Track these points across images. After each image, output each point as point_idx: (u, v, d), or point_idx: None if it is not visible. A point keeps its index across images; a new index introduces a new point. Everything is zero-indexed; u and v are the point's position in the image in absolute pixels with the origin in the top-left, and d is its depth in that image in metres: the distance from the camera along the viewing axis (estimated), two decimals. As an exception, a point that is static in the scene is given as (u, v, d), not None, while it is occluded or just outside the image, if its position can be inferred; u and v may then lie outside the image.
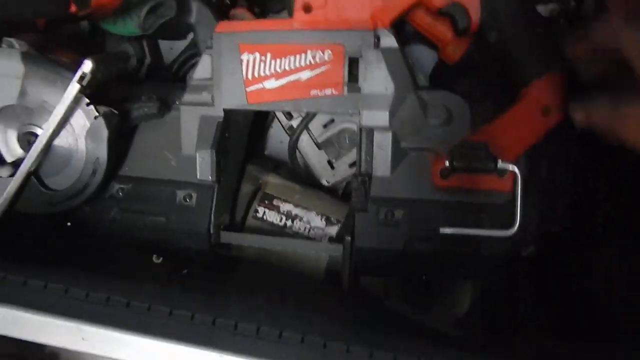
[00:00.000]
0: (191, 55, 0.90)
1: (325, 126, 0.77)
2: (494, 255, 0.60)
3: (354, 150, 0.75)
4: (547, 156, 0.60)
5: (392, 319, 0.64)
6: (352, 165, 0.76)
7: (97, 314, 0.55)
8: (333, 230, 0.70)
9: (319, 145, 0.77)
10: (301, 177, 0.80)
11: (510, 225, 0.57)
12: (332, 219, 0.71)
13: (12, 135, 0.69)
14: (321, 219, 0.71)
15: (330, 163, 0.77)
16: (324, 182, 0.78)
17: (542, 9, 0.79)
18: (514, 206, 0.56)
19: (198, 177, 0.68)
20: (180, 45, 0.91)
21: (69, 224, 0.74)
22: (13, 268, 0.58)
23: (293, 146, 0.77)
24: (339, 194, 0.80)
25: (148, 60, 0.91)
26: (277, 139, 0.87)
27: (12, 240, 0.67)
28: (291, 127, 0.78)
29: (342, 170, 0.77)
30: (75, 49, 0.81)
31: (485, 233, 0.57)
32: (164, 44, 0.92)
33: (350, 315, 0.63)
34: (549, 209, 0.61)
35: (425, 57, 0.77)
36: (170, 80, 0.88)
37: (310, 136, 0.77)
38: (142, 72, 0.92)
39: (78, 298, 0.56)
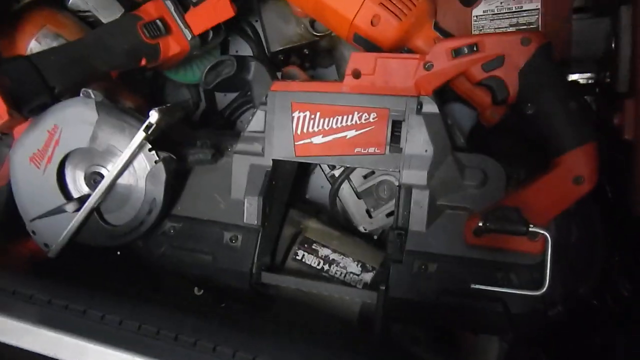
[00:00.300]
0: (243, 103, 0.98)
1: (365, 177, 0.82)
2: (521, 313, 0.63)
3: (392, 202, 0.80)
4: (577, 222, 0.64)
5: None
6: (389, 215, 0.81)
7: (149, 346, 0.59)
8: (368, 276, 0.75)
9: (358, 195, 0.82)
10: (340, 222, 0.85)
11: (539, 285, 0.60)
12: (368, 265, 0.76)
13: (80, 175, 0.76)
14: (357, 265, 0.76)
15: (368, 212, 0.82)
16: (362, 229, 0.82)
17: (577, 76, 0.84)
18: (544, 268, 0.60)
19: (244, 220, 0.73)
20: (234, 93, 0.98)
21: (118, 252, 0.80)
22: (73, 297, 0.63)
23: (334, 194, 0.82)
24: (374, 240, 0.84)
25: (203, 105, 0.99)
26: (318, 184, 0.93)
27: (73, 271, 0.73)
28: (333, 176, 0.83)
29: (379, 219, 0.82)
30: (139, 91, 0.89)
31: (515, 292, 0.61)
32: (218, 92, 0.99)
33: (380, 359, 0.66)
34: (576, 272, 0.64)
35: (465, 116, 0.82)
36: (223, 126, 0.94)
37: (351, 186, 0.82)
38: (197, 115, 1.00)
39: (131, 330, 0.61)
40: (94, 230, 0.76)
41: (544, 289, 0.60)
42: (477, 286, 0.62)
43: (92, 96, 0.72)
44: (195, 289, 0.86)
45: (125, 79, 0.86)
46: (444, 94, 0.77)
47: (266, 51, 0.91)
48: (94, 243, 0.76)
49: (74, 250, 0.77)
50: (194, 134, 0.82)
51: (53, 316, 0.60)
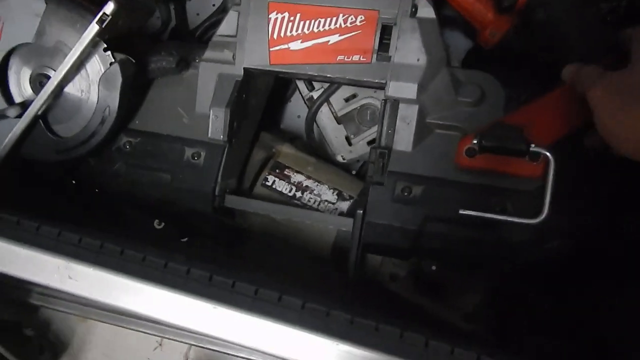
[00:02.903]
0: (216, 22, 0.88)
1: (347, 100, 0.74)
2: (514, 244, 0.56)
3: (374, 128, 0.72)
4: (583, 149, 0.56)
5: (397, 302, 0.59)
6: (370, 143, 0.73)
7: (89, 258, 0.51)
8: (345, 205, 0.67)
9: (338, 120, 0.73)
10: (315, 152, 0.77)
11: (537, 214, 0.53)
12: (345, 194, 0.68)
13: (26, 76, 0.67)
14: (333, 193, 0.68)
15: (348, 139, 0.74)
16: (340, 159, 0.74)
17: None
18: (544, 194, 0.52)
19: (209, 135, 0.65)
20: (207, 11, 0.89)
21: (73, 181, 0.71)
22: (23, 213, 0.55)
23: (312, 117, 0.74)
24: (352, 173, 0.77)
25: (173, 23, 0.89)
26: (294, 113, 0.85)
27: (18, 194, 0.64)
28: (311, 98, 0.75)
29: (360, 147, 0.74)
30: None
31: (509, 219, 0.53)
32: (190, 9, 0.90)
33: (355, 296, 0.59)
34: (580, 204, 0.56)
35: (459, 43, 0.74)
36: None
37: (331, 109, 0.73)
38: (165, 35, 0.90)
39: (70, 243, 0.53)
40: (40, 143, 0.67)
41: (543, 216, 0.52)
42: (467, 212, 0.55)
43: (38, -18, 0.63)
44: (156, 222, 0.78)
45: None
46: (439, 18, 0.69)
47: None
48: (40, 157, 0.67)
49: (18, 170, 0.68)
50: (159, 44, 0.73)
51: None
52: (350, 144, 0.74)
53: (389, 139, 0.59)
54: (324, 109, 0.74)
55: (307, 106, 0.76)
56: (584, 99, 0.52)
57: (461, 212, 0.55)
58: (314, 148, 0.77)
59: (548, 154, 0.53)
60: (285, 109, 0.85)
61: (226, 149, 0.64)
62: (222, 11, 0.86)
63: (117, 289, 0.50)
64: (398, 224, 0.58)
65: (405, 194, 0.58)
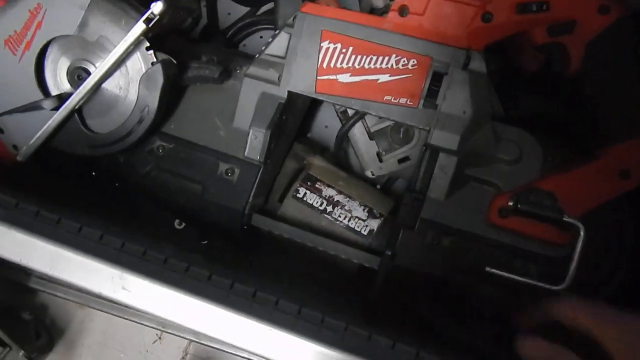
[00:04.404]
0: (249, 24, 0.87)
1: (380, 117, 0.74)
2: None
3: (406, 146, 0.73)
4: (612, 220, 0.59)
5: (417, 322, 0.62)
6: (401, 161, 0.73)
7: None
8: (375, 223, 0.68)
9: (371, 135, 0.73)
10: (342, 164, 0.77)
11: (559, 280, 0.55)
12: (375, 211, 0.69)
13: (63, 68, 0.66)
14: (364, 210, 0.69)
15: (379, 155, 0.74)
16: (369, 174, 0.75)
17: None
18: (569, 263, 0.55)
19: (246, 154, 0.65)
20: (239, 11, 0.87)
21: (93, 173, 0.71)
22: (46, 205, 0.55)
23: (344, 133, 0.74)
24: (377, 187, 0.78)
25: (204, 21, 0.87)
26: (322, 122, 0.84)
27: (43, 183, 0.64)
28: (345, 112, 0.74)
29: (390, 164, 0.74)
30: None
31: (534, 283, 0.56)
32: (222, 8, 0.88)
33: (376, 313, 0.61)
34: (598, 274, 0.59)
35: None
36: (225, 46, 0.84)
37: (364, 124, 0.74)
38: (196, 32, 0.88)
39: (114, 247, 0.53)
40: (73, 136, 0.66)
41: (565, 284, 0.55)
42: (493, 270, 0.57)
43: (85, -25, 0.61)
44: (177, 221, 0.78)
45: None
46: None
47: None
48: (72, 150, 0.67)
49: (45, 162, 0.68)
50: (198, 47, 0.72)
51: (22, 220, 0.52)
52: (381, 160, 0.74)
53: (424, 185, 0.61)
54: (357, 123, 0.74)
55: (340, 120, 0.76)
56: (619, 176, 0.54)
57: (487, 269, 0.57)
58: (342, 161, 0.77)
59: (579, 225, 0.55)
60: (313, 117, 0.85)
61: (261, 170, 0.65)
62: (254, 14, 0.84)
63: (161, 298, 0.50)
64: (424, 270, 0.60)
65: (435, 242, 0.60)
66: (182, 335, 0.88)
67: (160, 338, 0.88)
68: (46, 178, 0.72)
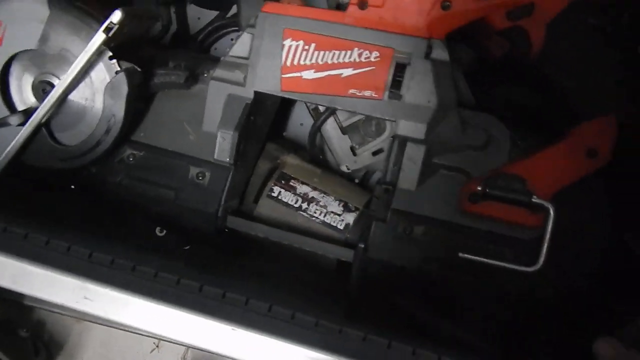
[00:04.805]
0: (219, 27, 0.87)
1: (348, 111, 0.74)
2: (509, 290, 0.59)
3: (379, 139, 0.73)
4: (581, 202, 0.58)
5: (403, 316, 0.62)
6: (375, 153, 0.74)
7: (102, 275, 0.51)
8: (350, 217, 0.68)
9: (343, 130, 0.73)
10: (318, 161, 0.77)
11: (533, 262, 0.55)
12: (351, 205, 0.69)
13: (28, 83, 0.65)
14: (339, 205, 0.69)
15: (352, 149, 0.74)
16: (344, 169, 0.75)
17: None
18: (541, 243, 0.55)
19: (215, 156, 0.65)
20: (209, 16, 0.87)
21: (72, 187, 0.71)
22: (16, 220, 0.55)
23: (316, 130, 0.74)
24: (355, 182, 0.77)
25: (174, 27, 0.87)
26: (297, 121, 0.85)
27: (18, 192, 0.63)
28: (317, 109, 0.74)
29: (365, 157, 0.74)
30: (104, 2, 0.77)
31: (507, 266, 0.56)
32: (191, 13, 0.88)
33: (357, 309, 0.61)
34: (575, 255, 0.59)
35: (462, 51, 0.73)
36: (195, 51, 0.84)
37: (336, 119, 0.73)
38: (166, 39, 0.88)
39: (81, 257, 0.53)
40: (42, 150, 0.66)
41: (539, 265, 0.55)
42: (466, 256, 0.57)
43: (43, -12, 0.61)
44: (158, 229, 0.78)
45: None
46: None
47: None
48: (42, 164, 0.66)
49: (18, 176, 0.67)
50: (166, 53, 0.72)
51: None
52: (355, 154, 0.74)
53: (395, 176, 0.61)
54: (329, 119, 0.74)
55: (312, 117, 0.76)
56: (586, 155, 0.54)
57: (460, 255, 0.57)
58: (318, 158, 0.77)
59: (549, 206, 0.55)
60: (288, 116, 0.85)
61: (232, 171, 0.65)
62: (224, 17, 0.84)
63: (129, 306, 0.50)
64: (398, 263, 0.60)
65: (407, 232, 0.60)
66: (179, 342, 0.87)
67: (157, 346, 0.88)
68: (20, 193, 0.71)
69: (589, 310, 0.58)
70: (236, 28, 0.86)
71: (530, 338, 0.60)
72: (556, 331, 0.58)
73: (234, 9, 0.86)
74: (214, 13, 0.88)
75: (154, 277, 0.51)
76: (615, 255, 0.61)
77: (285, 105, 0.83)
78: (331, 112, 0.73)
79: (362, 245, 0.61)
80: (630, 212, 0.61)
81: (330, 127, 0.75)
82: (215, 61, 0.68)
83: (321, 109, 0.75)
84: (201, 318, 0.46)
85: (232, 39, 0.88)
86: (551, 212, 0.55)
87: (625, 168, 0.59)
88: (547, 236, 0.55)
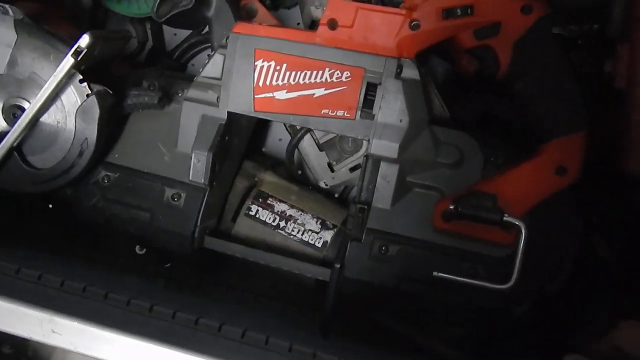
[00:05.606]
0: (196, 43, 0.86)
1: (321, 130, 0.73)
2: (485, 308, 0.59)
3: (356, 155, 0.73)
4: (553, 216, 0.59)
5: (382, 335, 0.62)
6: (353, 169, 0.74)
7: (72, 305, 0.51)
8: (328, 235, 0.68)
9: (320, 147, 0.74)
10: (297, 178, 0.77)
11: (507, 280, 0.56)
12: (328, 223, 0.69)
13: (-2, 107, 0.65)
14: (317, 222, 0.69)
15: (330, 165, 0.74)
16: (322, 185, 0.75)
17: (559, 30, 0.76)
18: (514, 261, 0.55)
19: (190, 177, 0.65)
20: (185, 32, 0.87)
21: (50, 205, 0.70)
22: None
23: (293, 147, 0.74)
24: (335, 198, 0.78)
25: (150, 44, 0.87)
26: (275, 137, 0.85)
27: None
28: (293, 125, 0.75)
29: (342, 173, 0.74)
30: (75, 23, 0.76)
31: (480, 284, 0.56)
32: (167, 29, 0.88)
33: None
34: (546, 270, 0.60)
35: (438, 66, 0.74)
36: (172, 68, 0.83)
37: (312, 136, 0.74)
38: (142, 55, 0.88)
39: (52, 286, 0.53)
40: (15, 174, 0.65)
41: (511, 283, 0.55)
42: (440, 275, 0.57)
43: (10, 13, 0.61)
44: (137, 247, 0.78)
45: (59, 7, 0.74)
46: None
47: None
48: (15, 189, 0.66)
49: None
50: (139, 73, 0.72)
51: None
52: (332, 170, 0.75)
53: (369, 195, 0.61)
54: (306, 136, 0.74)
55: (289, 133, 0.76)
56: (555, 172, 0.55)
57: (435, 274, 0.57)
58: (297, 174, 0.77)
59: (520, 224, 0.56)
60: (266, 132, 0.85)
61: (207, 193, 0.65)
62: (200, 33, 0.84)
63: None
64: (375, 282, 0.60)
65: (382, 252, 0.60)
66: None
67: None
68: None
69: (563, 323, 0.58)
70: (211, 44, 0.86)
71: (505, 353, 0.60)
72: (530, 346, 0.59)
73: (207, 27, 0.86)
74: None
75: (126, 304, 0.51)
76: (585, 260, 0.62)
77: (262, 121, 0.83)
78: (307, 129, 0.74)
79: (338, 265, 0.61)
80: (597, 218, 0.62)
81: (307, 144, 0.75)
82: (190, 80, 0.68)
83: (297, 125, 0.75)
84: (172, 351, 0.46)
85: (208, 55, 0.87)
86: (523, 230, 0.55)
87: (595, 179, 0.60)
88: (519, 254, 0.55)
